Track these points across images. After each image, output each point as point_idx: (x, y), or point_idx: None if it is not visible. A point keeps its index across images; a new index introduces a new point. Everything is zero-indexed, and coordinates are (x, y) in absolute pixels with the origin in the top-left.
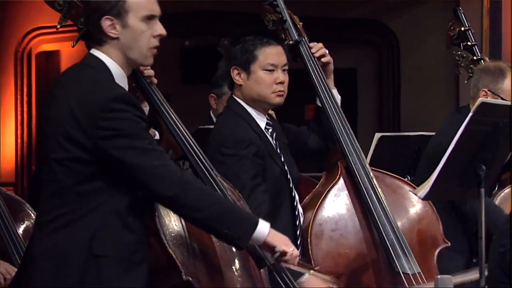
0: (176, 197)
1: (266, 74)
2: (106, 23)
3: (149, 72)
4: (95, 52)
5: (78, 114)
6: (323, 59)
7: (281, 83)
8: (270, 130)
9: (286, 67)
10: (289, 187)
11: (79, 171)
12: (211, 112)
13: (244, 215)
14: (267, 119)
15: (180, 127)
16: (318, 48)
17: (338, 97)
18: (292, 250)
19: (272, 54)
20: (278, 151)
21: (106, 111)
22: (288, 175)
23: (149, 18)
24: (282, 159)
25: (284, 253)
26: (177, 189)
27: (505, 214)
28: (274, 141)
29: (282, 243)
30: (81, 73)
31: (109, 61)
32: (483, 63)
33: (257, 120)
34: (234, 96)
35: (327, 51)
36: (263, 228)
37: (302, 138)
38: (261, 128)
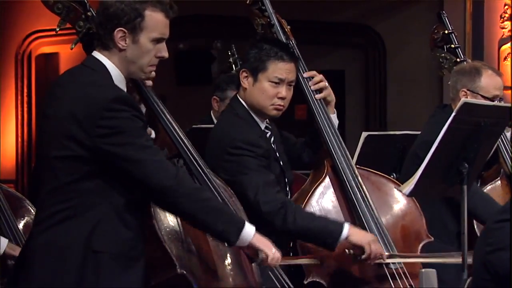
0: (172, 188)
1: (271, 86)
2: (118, 34)
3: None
4: (97, 54)
5: (79, 114)
6: (321, 94)
7: (282, 98)
8: (268, 134)
9: (293, 84)
10: (286, 190)
11: (79, 169)
12: (211, 113)
13: (234, 214)
14: (267, 123)
15: (175, 126)
16: (315, 82)
17: (336, 121)
18: (273, 253)
19: (281, 69)
20: (277, 154)
21: (106, 110)
22: (286, 178)
23: (158, 40)
24: (281, 162)
25: (266, 259)
26: (173, 181)
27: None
28: (273, 144)
29: (266, 246)
30: (81, 74)
31: (110, 65)
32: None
33: (259, 123)
34: (238, 96)
35: (325, 84)
36: (249, 230)
37: (298, 150)
38: (262, 130)
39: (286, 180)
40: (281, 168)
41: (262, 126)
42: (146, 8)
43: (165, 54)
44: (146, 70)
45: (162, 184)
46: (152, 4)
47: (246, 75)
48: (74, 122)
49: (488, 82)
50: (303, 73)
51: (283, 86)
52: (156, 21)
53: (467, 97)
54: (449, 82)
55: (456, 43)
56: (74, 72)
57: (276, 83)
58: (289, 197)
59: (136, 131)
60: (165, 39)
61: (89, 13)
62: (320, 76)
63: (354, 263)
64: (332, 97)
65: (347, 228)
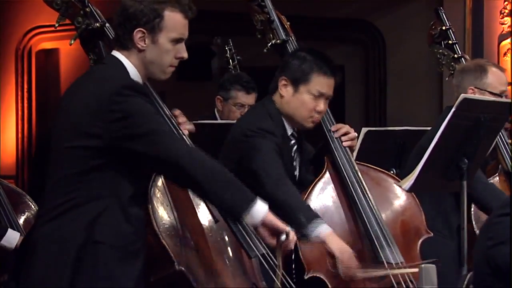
0: (185, 159)
1: (311, 98)
2: (138, 34)
3: None
4: (116, 53)
5: (91, 104)
6: (345, 144)
7: (320, 112)
8: (292, 141)
9: (330, 98)
10: None
11: (87, 160)
12: (215, 112)
13: (246, 188)
14: (294, 131)
15: (174, 122)
16: (342, 133)
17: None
18: (291, 231)
19: (323, 84)
20: (294, 162)
21: (117, 95)
22: (297, 181)
23: (178, 41)
24: (296, 172)
25: (287, 236)
26: (186, 151)
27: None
28: (293, 153)
29: (284, 226)
30: (98, 70)
31: (128, 63)
32: (463, 60)
33: (286, 127)
34: (273, 99)
35: (353, 135)
36: (262, 205)
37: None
38: (286, 135)
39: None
40: (293, 175)
41: (289, 132)
42: (165, 9)
43: (185, 54)
44: (167, 71)
45: (172, 155)
46: (171, 4)
47: (285, 83)
48: (87, 112)
49: (494, 78)
50: None
51: (322, 100)
52: (175, 21)
53: (474, 95)
54: (447, 78)
55: (454, 39)
56: (93, 69)
57: (316, 96)
58: None
59: (148, 113)
60: (184, 39)
61: (87, 9)
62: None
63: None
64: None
65: (325, 226)
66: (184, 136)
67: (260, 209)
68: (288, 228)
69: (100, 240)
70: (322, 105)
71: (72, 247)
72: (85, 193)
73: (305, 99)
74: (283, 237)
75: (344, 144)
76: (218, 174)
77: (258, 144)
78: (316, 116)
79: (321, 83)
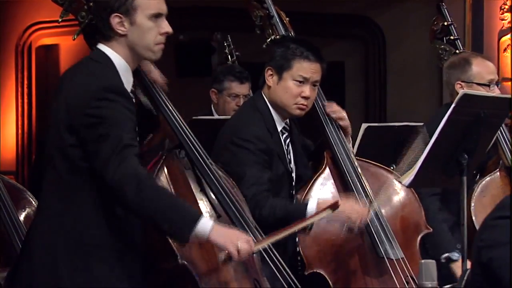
0: (120, 184)
1: (295, 84)
2: (115, 20)
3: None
4: (101, 47)
5: (73, 103)
6: (341, 123)
7: (306, 97)
8: (284, 135)
9: (317, 84)
10: (291, 187)
11: (75, 158)
12: (212, 107)
13: (187, 211)
14: (286, 124)
15: (177, 117)
16: (333, 110)
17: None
18: (237, 247)
19: (306, 69)
20: (288, 156)
21: (95, 99)
22: (293, 175)
23: (156, 16)
24: (291, 164)
25: (229, 255)
26: (123, 176)
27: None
28: (286, 146)
29: (226, 241)
30: (84, 66)
31: (114, 55)
32: None
33: (275, 121)
34: (262, 93)
35: (344, 115)
36: (205, 225)
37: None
38: (276, 129)
39: (293, 177)
40: (289, 167)
41: (279, 126)
42: None
43: (169, 29)
44: (154, 49)
45: (109, 178)
46: None
47: (271, 73)
48: (69, 111)
49: (479, 69)
50: None
51: (307, 86)
52: None
53: (463, 89)
54: (443, 78)
55: (456, 35)
56: (79, 64)
57: (300, 82)
58: (292, 195)
59: (118, 123)
60: (163, 14)
61: (91, 4)
62: (336, 107)
63: (350, 254)
64: (349, 129)
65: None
66: (182, 125)
67: (203, 228)
68: (229, 246)
69: (93, 243)
70: (307, 91)
71: (60, 250)
72: (73, 193)
73: (289, 85)
74: (220, 259)
75: (337, 122)
76: (154, 203)
77: (242, 158)
78: (303, 102)
79: (304, 68)
